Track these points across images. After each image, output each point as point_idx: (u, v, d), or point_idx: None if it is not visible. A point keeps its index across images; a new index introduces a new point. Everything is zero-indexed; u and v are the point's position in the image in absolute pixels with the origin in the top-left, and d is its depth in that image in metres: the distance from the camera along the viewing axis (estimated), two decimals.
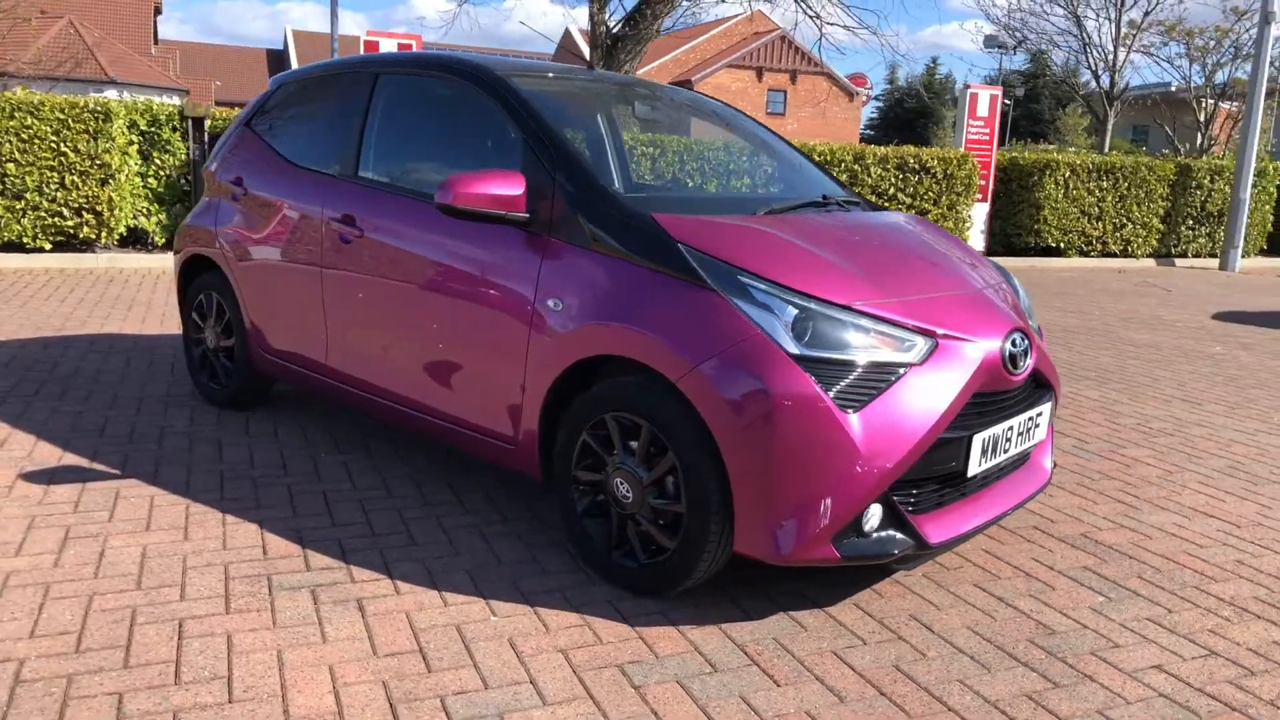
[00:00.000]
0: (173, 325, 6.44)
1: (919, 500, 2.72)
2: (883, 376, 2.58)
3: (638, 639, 2.60)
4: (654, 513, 2.76)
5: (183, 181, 9.61)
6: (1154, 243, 14.00)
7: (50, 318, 6.49)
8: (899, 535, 2.66)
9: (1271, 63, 21.74)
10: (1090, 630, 2.77)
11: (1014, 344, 2.86)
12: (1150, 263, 13.90)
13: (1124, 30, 20.72)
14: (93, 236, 9.02)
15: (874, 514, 2.61)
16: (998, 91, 13.09)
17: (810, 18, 13.32)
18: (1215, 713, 2.37)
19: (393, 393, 3.55)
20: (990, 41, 30.48)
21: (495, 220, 3.02)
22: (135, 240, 9.60)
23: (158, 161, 9.44)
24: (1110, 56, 20.93)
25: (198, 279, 4.56)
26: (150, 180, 9.43)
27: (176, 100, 12.43)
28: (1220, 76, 21.42)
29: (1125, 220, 13.59)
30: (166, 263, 9.19)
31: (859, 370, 2.56)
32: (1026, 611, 2.87)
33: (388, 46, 9.64)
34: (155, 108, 9.45)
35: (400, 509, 3.42)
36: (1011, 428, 2.91)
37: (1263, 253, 15.22)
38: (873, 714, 2.31)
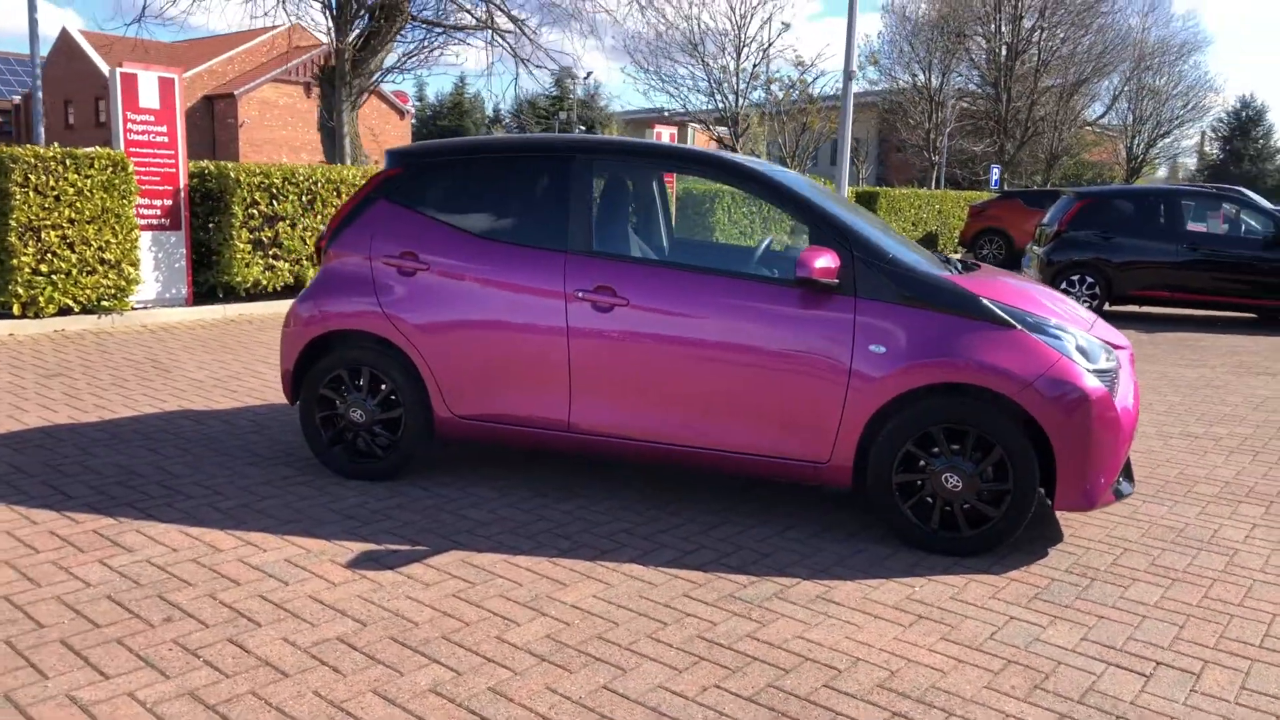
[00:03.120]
0: (142, 405, 5.73)
1: None
2: (1114, 376, 3.93)
3: (1014, 580, 3.68)
4: (977, 494, 3.82)
5: None
6: None
7: None
8: (1128, 479, 4.05)
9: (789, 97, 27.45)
10: (1194, 521, 4.40)
11: (1131, 348, 4.38)
12: None
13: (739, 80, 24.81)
14: None
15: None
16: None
17: (519, 60, 14.30)
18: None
19: (672, 439, 4.12)
20: (564, 73, 33.42)
21: (815, 286, 3.86)
22: None
23: None
24: (734, 99, 24.78)
25: (331, 354, 4.51)
26: None
27: None
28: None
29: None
30: None
31: (1108, 374, 3.88)
32: (1153, 520, 4.41)
33: (147, 78, 8.81)
34: None
35: (708, 531, 4.04)
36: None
37: None
38: (1178, 586, 3.65)
